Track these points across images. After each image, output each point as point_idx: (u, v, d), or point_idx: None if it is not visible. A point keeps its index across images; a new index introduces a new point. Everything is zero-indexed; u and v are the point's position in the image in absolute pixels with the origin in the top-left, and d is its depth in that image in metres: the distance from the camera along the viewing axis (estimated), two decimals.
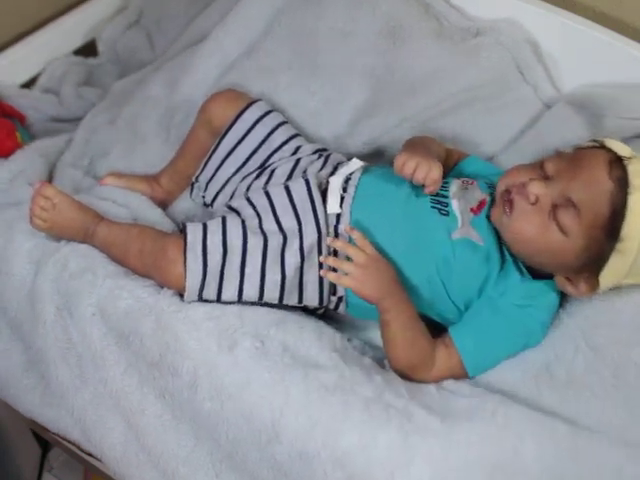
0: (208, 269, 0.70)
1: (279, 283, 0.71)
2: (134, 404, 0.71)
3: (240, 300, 0.72)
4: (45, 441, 1.22)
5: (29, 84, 1.10)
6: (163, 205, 0.89)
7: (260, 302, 0.73)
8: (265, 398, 0.63)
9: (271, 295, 0.72)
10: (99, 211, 0.80)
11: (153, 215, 0.85)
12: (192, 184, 0.88)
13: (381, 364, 0.71)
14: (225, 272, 0.71)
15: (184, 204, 0.91)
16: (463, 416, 0.60)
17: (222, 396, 0.65)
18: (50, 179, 0.93)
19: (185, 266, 0.70)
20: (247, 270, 0.71)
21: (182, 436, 0.70)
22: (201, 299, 0.71)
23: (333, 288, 0.75)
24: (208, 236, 0.72)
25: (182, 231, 0.73)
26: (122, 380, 0.72)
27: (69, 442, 0.87)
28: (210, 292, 0.71)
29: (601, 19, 0.92)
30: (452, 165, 0.83)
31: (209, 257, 0.70)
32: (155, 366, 0.69)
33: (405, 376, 0.68)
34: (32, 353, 0.79)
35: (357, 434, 0.59)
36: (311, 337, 0.68)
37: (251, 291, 0.71)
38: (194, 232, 0.72)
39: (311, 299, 0.74)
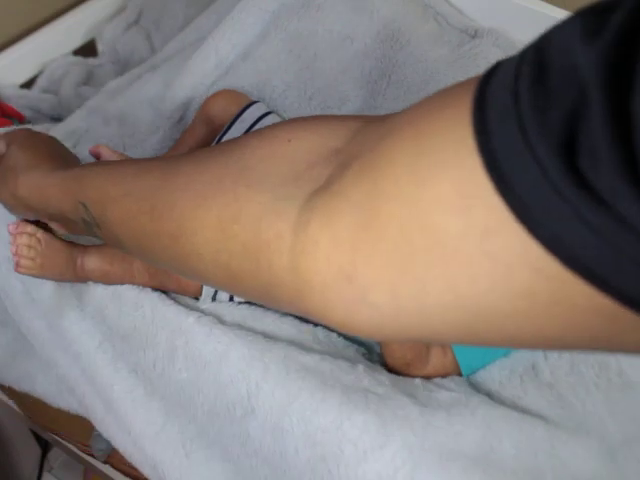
0: None
1: None
2: (104, 379, 0.71)
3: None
4: (45, 441, 1.22)
5: (29, 84, 1.10)
6: None
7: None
8: (243, 372, 0.63)
9: None
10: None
11: None
12: None
13: (367, 357, 0.71)
14: None
15: None
16: (443, 409, 0.60)
17: (198, 366, 0.64)
18: None
19: None
20: None
21: (153, 413, 0.70)
22: (214, 300, 0.72)
23: None
24: None
25: None
26: (95, 354, 0.71)
27: (69, 441, 0.87)
28: (223, 294, 0.71)
29: None
30: None
31: None
32: (128, 339, 0.68)
33: (400, 374, 0.68)
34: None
35: (333, 413, 0.59)
36: (292, 331, 0.69)
37: None
38: None
39: None
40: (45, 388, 0.81)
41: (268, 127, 0.40)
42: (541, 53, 0.23)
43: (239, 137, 0.41)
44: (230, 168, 0.37)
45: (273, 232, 0.32)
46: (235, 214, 0.35)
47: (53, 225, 0.62)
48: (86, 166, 0.54)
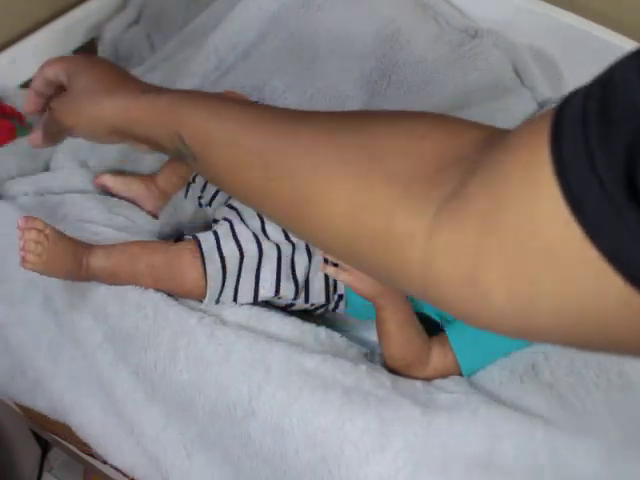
0: (227, 274, 0.71)
1: (292, 285, 0.72)
2: (105, 380, 0.70)
3: (256, 301, 0.72)
4: (45, 441, 1.22)
5: (29, 84, 1.10)
6: (157, 206, 0.88)
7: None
8: (244, 374, 0.63)
9: (285, 293, 0.72)
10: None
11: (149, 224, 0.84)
12: (188, 184, 0.88)
13: (369, 358, 0.72)
14: (242, 275, 0.71)
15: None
16: (444, 410, 0.61)
17: (200, 367, 0.65)
18: None
19: (206, 275, 0.70)
20: (262, 275, 0.72)
21: (154, 414, 0.69)
22: (217, 303, 0.72)
23: (335, 285, 0.75)
24: (222, 242, 0.72)
25: (180, 239, 0.73)
26: (96, 354, 0.71)
27: (69, 441, 0.87)
28: (227, 296, 0.72)
29: (601, 19, 0.92)
30: None
31: (227, 262, 0.71)
32: (130, 339, 0.68)
33: (400, 374, 0.69)
34: None
35: (334, 414, 0.60)
36: (294, 332, 0.69)
37: (268, 292, 0.72)
38: (207, 241, 0.72)
39: (318, 296, 0.74)
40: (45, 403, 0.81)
41: (395, 115, 0.41)
42: (605, 88, 0.26)
43: (362, 113, 0.42)
44: (362, 152, 0.38)
45: (406, 228, 0.35)
46: (366, 202, 0.37)
47: (137, 145, 0.59)
48: (182, 95, 0.52)
